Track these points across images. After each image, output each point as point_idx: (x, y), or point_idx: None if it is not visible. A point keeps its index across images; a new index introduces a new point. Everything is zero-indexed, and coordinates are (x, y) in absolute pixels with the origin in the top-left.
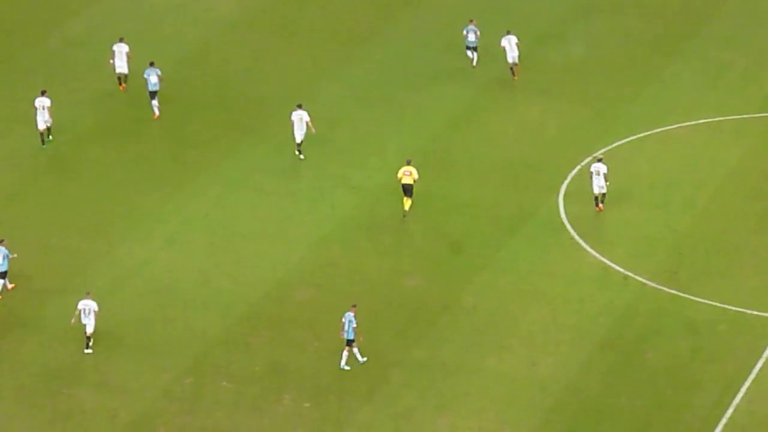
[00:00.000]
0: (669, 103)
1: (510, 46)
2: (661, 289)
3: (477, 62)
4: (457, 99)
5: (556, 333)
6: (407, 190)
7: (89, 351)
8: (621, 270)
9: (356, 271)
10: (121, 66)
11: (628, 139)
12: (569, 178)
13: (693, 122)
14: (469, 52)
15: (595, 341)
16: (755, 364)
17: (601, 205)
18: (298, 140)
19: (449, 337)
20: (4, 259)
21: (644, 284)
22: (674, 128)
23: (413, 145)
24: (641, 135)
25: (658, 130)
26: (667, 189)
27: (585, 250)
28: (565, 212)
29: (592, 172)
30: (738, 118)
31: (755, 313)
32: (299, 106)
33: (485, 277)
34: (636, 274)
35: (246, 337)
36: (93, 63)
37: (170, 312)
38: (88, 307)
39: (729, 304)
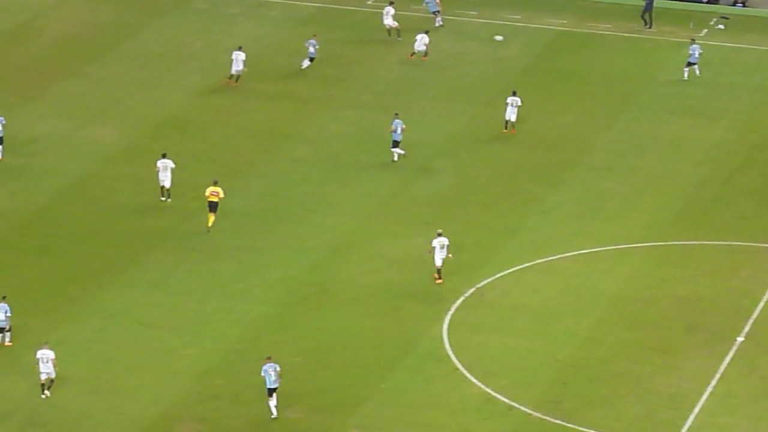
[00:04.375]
0: (550, 233)
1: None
2: (546, 419)
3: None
4: (337, 229)
5: None
6: (213, 206)
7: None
8: (505, 400)
9: (240, 403)
10: None
11: (509, 270)
12: (453, 309)
13: (574, 252)
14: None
15: None
16: None
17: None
18: (167, 186)
19: None
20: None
21: (528, 414)
22: (555, 259)
23: (295, 276)
24: (523, 266)
25: (540, 261)
26: (549, 319)
27: (469, 380)
28: (449, 342)
29: (435, 246)
30: (618, 248)
31: None
32: (164, 155)
33: (369, 408)
34: (520, 404)
35: None
36: None
37: None
38: (45, 356)
39: None
